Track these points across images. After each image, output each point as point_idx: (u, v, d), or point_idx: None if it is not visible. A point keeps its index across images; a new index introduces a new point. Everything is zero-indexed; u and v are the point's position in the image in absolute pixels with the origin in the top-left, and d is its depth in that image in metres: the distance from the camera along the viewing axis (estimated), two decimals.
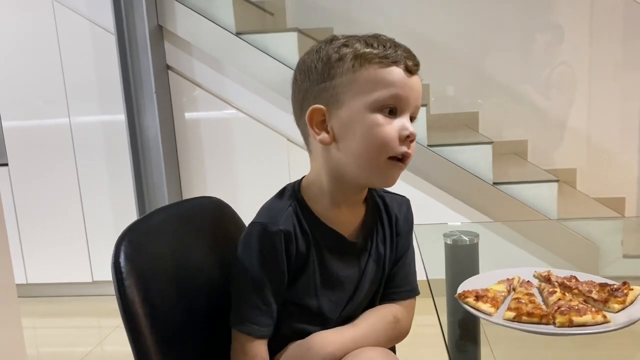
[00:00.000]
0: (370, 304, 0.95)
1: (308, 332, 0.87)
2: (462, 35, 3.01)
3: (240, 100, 2.60)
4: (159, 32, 2.58)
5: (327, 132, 0.83)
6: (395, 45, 0.82)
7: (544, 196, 2.44)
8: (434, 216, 2.40)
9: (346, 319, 0.91)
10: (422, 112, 2.49)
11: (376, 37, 0.83)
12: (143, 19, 2.48)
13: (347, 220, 0.89)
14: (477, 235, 1.20)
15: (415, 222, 0.98)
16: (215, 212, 1.03)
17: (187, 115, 2.68)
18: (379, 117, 0.80)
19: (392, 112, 0.81)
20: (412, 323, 0.96)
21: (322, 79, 0.82)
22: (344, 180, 0.85)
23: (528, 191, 2.45)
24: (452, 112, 3.03)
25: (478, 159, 2.47)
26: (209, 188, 2.71)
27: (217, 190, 2.66)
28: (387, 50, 0.81)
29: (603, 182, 2.94)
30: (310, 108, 0.83)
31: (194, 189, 2.72)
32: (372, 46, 0.81)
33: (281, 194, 0.90)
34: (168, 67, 2.63)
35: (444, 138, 2.58)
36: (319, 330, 0.88)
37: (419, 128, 2.47)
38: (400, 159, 0.82)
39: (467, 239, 1.20)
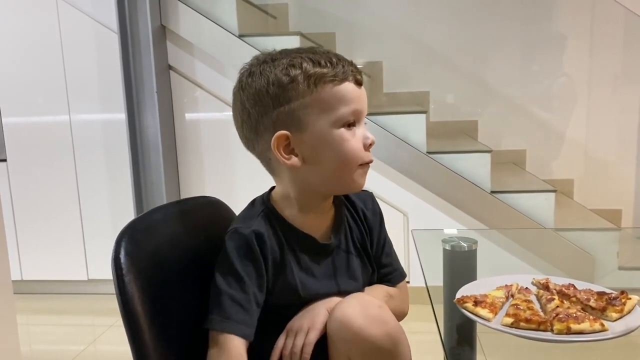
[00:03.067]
0: None
1: None
2: (463, 43, 3.02)
3: None
4: (162, 32, 2.58)
5: (296, 155, 0.85)
6: (339, 59, 0.84)
7: (541, 206, 2.45)
8: (430, 222, 2.40)
9: None
10: (421, 119, 2.50)
11: (315, 52, 0.85)
12: (146, 19, 2.48)
13: (317, 223, 0.92)
14: (475, 242, 1.21)
15: (412, 227, 1.00)
16: (214, 211, 1.04)
17: (188, 115, 2.68)
18: (344, 132, 0.84)
19: (351, 124, 0.85)
20: (409, 305, 1.01)
21: (278, 103, 0.83)
22: (312, 193, 0.89)
23: (525, 201, 2.45)
24: (452, 120, 3.04)
25: (476, 167, 2.47)
26: (207, 189, 2.70)
27: (215, 190, 2.64)
28: (337, 68, 0.83)
29: (600, 193, 2.94)
30: (275, 135, 0.84)
31: (192, 189, 2.71)
32: (319, 64, 0.82)
33: (251, 204, 0.93)
34: (170, 67, 2.64)
35: (443, 145, 2.58)
36: None
37: (418, 135, 2.49)
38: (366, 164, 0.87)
39: (465, 245, 1.20)
